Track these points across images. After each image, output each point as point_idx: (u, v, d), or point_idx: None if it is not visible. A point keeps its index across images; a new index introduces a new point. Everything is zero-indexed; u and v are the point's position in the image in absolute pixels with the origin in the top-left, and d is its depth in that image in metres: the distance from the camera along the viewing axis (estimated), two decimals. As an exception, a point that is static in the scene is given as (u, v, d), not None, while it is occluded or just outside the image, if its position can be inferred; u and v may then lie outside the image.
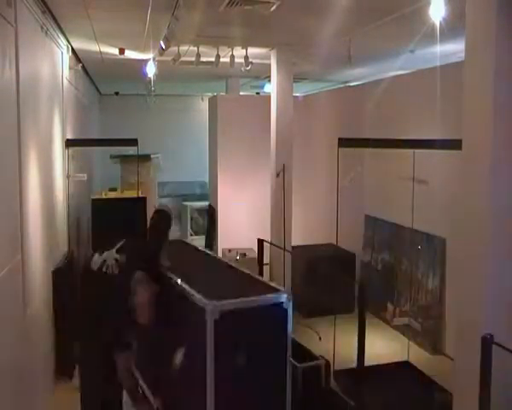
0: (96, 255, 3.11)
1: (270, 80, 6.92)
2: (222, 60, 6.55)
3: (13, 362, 3.17)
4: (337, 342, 4.81)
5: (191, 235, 10.19)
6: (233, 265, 3.53)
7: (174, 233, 7.30)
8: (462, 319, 2.77)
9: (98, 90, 11.75)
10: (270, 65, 6.71)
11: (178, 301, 2.88)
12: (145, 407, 3.14)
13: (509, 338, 2.53)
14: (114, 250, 3.06)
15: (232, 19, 4.84)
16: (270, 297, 2.79)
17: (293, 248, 6.73)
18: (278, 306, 2.76)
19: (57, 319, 4.71)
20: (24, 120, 3.56)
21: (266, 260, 6.62)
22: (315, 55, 6.94)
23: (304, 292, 6.62)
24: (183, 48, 6.16)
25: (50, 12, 4.71)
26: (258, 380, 2.67)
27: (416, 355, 5.28)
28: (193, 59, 6.35)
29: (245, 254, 7.28)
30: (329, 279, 5.90)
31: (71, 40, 6.08)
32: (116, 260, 2.99)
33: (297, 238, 7.28)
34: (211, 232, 8.76)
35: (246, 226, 7.81)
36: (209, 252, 4.31)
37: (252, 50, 6.47)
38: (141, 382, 3.34)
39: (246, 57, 6.46)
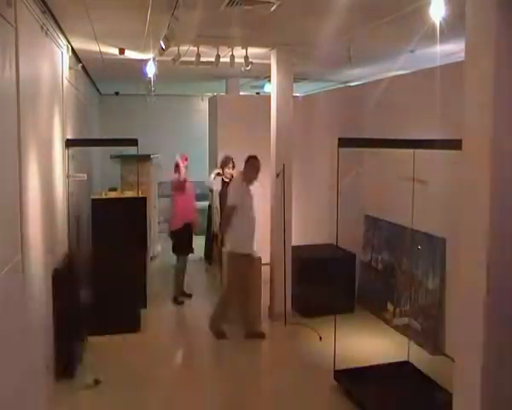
0: None
1: (270, 80, 6.92)
2: (222, 60, 6.56)
3: (14, 362, 3.17)
4: (337, 342, 4.81)
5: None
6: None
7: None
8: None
9: (98, 90, 11.75)
10: (269, 65, 6.71)
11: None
12: None
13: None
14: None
15: (232, 19, 4.84)
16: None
17: (293, 248, 6.74)
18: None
19: (57, 318, 4.71)
20: (24, 120, 3.56)
21: (266, 259, 6.63)
22: (315, 56, 6.94)
23: (304, 292, 6.62)
24: (183, 48, 6.16)
25: (50, 12, 4.71)
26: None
27: (416, 355, 5.28)
28: (193, 59, 6.35)
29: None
30: (329, 279, 5.90)
31: (71, 40, 6.08)
32: None
33: (297, 238, 7.28)
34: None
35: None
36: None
37: (252, 50, 6.47)
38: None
39: (246, 57, 6.46)
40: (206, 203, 9.20)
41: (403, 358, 5.18)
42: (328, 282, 5.87)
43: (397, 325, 6.24)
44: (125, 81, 10.55)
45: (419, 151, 4.93)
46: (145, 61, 6.94)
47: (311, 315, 6.50)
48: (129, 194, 7.71)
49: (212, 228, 8.50)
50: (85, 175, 6.62)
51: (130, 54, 6.82)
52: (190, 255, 7.43)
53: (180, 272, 7.28)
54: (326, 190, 7.75)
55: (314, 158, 8.87)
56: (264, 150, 6.57)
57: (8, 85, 3.24)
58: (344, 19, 4.76)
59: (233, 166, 7.22)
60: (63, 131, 5.68)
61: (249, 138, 7.97)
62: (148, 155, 9.28)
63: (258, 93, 11.65)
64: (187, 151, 7.70)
